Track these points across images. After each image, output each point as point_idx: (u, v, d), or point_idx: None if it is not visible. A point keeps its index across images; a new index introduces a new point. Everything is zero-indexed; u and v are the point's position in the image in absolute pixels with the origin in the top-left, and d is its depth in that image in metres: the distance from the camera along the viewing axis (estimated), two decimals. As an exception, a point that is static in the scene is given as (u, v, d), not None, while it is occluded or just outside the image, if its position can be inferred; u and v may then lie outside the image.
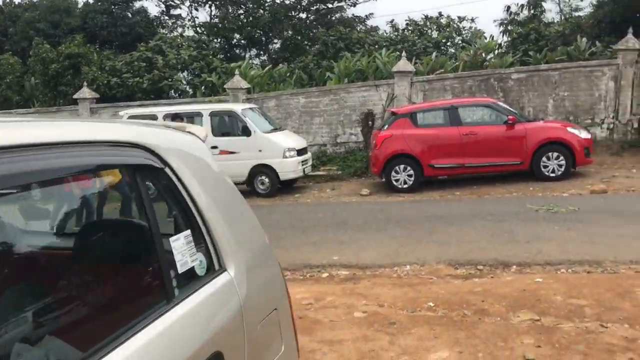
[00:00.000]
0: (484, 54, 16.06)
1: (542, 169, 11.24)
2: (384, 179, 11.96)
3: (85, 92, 17.38)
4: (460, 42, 20.11)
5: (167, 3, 23.20)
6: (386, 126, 12.06)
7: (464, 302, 5.28)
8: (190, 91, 18.61)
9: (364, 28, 24.22)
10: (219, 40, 22.98)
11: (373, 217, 9.29)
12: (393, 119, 11.97)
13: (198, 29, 23.85)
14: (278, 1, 23.48)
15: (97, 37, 22.42)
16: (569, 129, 11.38)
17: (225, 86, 16.38)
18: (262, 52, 24.44)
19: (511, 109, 11.77)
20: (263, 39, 23.22)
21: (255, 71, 18.07)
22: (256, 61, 24.19)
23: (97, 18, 22.18)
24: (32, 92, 18.92)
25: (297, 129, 15.80)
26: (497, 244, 7.23)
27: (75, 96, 17.49)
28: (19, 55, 20.89)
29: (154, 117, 12.36)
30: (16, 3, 24.92)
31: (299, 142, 13.16)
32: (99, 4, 22.65)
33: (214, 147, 12.23)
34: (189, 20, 24.19)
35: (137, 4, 23.48)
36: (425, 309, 5.22)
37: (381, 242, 7.78)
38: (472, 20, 22.48)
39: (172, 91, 17.92)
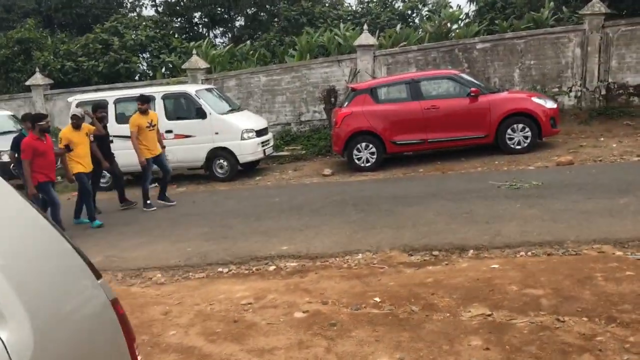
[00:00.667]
0: (449, 24, 15.54)
1: (508, 142, 10.87)
2: (346, 158, 11.51)
3: (38, 79, 16.57)
4: (426, 13, 19.51)
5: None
6: (346, 103, 11.57)
7: (412, 295, 4.89)
8: (150, 73, 17.88)
9: (328, 2, 23.52)
10: (179, 19, 22.12)
11: (330, 200, 8.86)
12: (353, 95, 11.48)
13: (158, 8, 22.95)
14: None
15: (52, 21, 21.48)
16: (534, 99, 10.99)
17: (183, 67, 15.71)
18: (226, 31, 23.65)
19: (475, 81, 11.34)
20: (225, 16, 22.38)
21: (216, 50, 17.38)
22: (221, 40, 23.46)
23: (51, 0, 21.19)
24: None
25: (259, 108, 15.25)
26: (455, 225, 6.86)
27: (27, 83, 16.67)
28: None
29: (104, 103, 11.71)
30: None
31: (259, 122, 12.63)
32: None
33: (169, 132, 11.70)
34: (149, -1, 23.31)
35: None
36: (371, 306, 4.82)
37: (335, 227, 7.36)
38: (439, -11, 21.85)
39: (131, 74, 17.14)
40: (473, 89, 10.85)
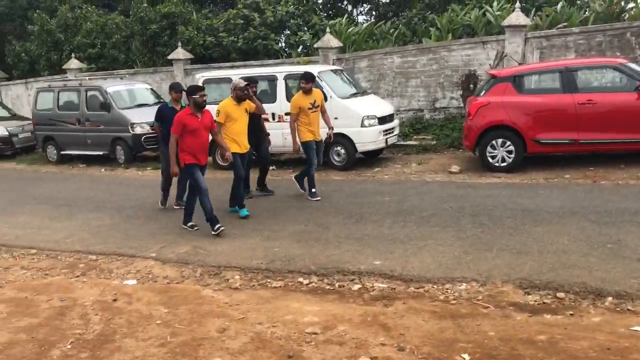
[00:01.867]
0: (622, 3, 13.16)
1: (684, 149, 8.80)
2: (477, 155, 10.12)
3: (180, 53, 16.94)
4: None
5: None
6: (483, 92, 10.13)
7: (512, 358, 3.70)
8: (287, 51, 17.49)
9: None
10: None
11: (447, 206, 7.66)
12: (492, 83, 9.99)
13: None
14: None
15: (202, -5, 21.96)
16: None
17: (315, 45, 15.06)
18: (372, 8, 22.60)
19: None
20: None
21: (353, 29, 16.50)
22: (365, 18, 22.48)
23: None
24: (136, 52, 18.87)
25: (390, 92, 14.18)
26: (595, 258, 5.39)
27: (170, 57, 17.13)
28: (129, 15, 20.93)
29: (228, 80, 11.42)
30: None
31: (384, 108, 11.59)
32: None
33: (287, 114, 11.09)
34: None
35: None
36: (455, 366, 3.72)
37: (443, 243, 6.21)
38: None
39: (268, 51, 16.87)
40: (644, 81, 8.89)
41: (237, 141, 7.90)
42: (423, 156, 11.83)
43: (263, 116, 9.33)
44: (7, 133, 16.11)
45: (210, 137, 7.57)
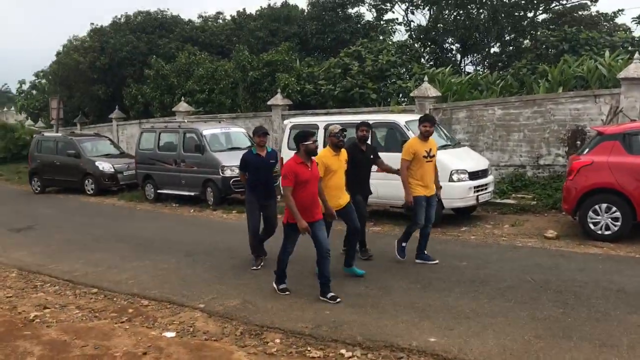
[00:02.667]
0: None
1: None
2: (577, 220, 8.98)
3: (278, 99, 17.16)
4: None
5: (378, 7, 22.03)
6: (587, 149, 9.04)
7: None
8: (387, 99, 17.11)
9: (607, 26, 20.04)
10: (430, 44, 21.10)
11: (529, 277, 6.69)
12: (598, 140, 8.90)
13: (412, 33, 22.25)
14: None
15: (308, 44, 22.39)
16: None
17: (411, 94, 14.56)
18: (483, 58, 21.82)
19: None
20: (481, 42, 20.60)
21: (456, 78, 15.84)
22: (472, 68, 21.73)
23: (307, 25, 22.10)
24: (240, 98, 19.45)
25: (489, 145, 13.26)
26: None
27: (269, 103, 17.39)
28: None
29: (315, 127, 11.22)
30: (247, 14, 26.30)
31: (477, 162, 10.76)
32: (314, 10, 22.55)
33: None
34: (405, 24, 22.78)
35: (353, 10, 22.84)
36: None
37: (514, 322, 5.33)
38: None
39: (365, 99, 16.61)
40: None
41: (335, 196, 6.97)
42: (519, 217, 10.76)
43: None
44: (113, 170, 16.98)
45: None
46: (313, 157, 6.42)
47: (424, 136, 7.54)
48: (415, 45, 20.08)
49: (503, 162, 13.11)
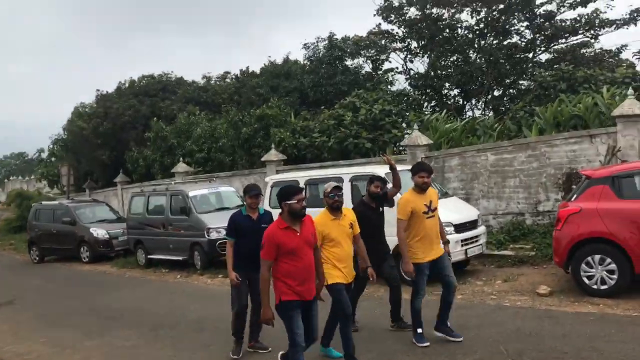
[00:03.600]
0: None
1: None
2: (569, 273, 8.18)
3: (272, 155, 16.81)
4: None
5: (374, 58, 21.84)
6: (575, 195, 8.32)
7: None
8: (383, 150, 16.62)
9: (611, 63, 19.40)
10: (428, 91, 20.70)
11: (503, 348, 5.92)
12: (585, 185, 8.18)
13: (412, 81, 21.93)
14: (502, 42, 20.28)
15: (308, 98, 22.22)
16: None
17: (401, 143, 14.05)
18: (483, 103, 21.28)
19: None
20: (480, 86, 20.11)
21: (450, 124, 15.31)
22: (477, 113, 21.16)
23: (304, 79, 21.99)
24: (235, 155, 19.18)
25: (485, 193, 12.58)
26: None
27: (263, 159, 17.05)
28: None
29: (296, 184, 10.73)
30: (250, 72, 26.45)
31: (465, 213, 10.10)
32: (312, 64, 22.51)
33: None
34: (404, 72, 22.49)
35: (351, 63, 22.71)
36: None
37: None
38: None
39: (360, 150, 16.14)
40: None
41: (339, 268, 5.74)
42: (515, 270, 9.97)
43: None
44: (107, 236, 16.67)
45: None
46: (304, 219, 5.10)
47: (421, 188, 6.26)
48: (413, 93, 19.70)
49: (501, 210, 12.38)
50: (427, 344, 6.20)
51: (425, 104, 20.58)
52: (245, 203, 6.72)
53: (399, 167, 10.86)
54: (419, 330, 6.38)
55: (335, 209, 5.77)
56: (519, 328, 6.60)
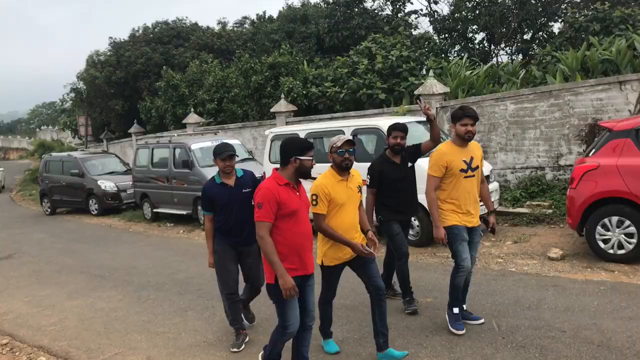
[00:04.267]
0: None
1: None
2: (585, 237, 7.41)
3: (282, 105, 16.07)
4: None
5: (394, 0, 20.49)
6: (594, 150, 7.46)
7: None
8: (395, 100, 15.70)
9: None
10: (453, 35, 19.42)
11: (495, 323, 5.27)
12: (606, 138, 7.30)
13: (437, 24, 20.61)
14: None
15: (324, 44, 21.18)
16: None
17: (415, 92, 13.14)
18: (514, 48, 19.91)
19: None
20: (508, 29, 18.74)
21: (472, 70, 14.26)
22: (497, 59, 19.89)
23: (320, 23, 20.88)
24: (245, 105, 18.48)
25: (503, 146, 11.69)
26: None
27: (272, 110, 16.33)
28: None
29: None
30: (267, 17, 25.39)
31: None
32: (327, 7, 21.32)
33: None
34: (429, 15, 21.14)
35: (370, 4, 21.42)
36: None
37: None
38: None
39: (373, 101, 15.24)
40: None
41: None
42: (528, 230, 9.25)
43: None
44: (116, 188, 16.37)
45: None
46: (302, 181, 4.27)
47: (463, 139, 5.02)
48: (435, 37, 18.50)
49: (519, 164, 11.50)
50: (463, 331, 5.08)
51: (450, 49, 19.36)
52: (219, 168, 5.43)
53: (412, 118, 10.19)
54: (456, 310, 5.16)
55: (344, 168, 4.57)
56: (518, 299, 5.92)
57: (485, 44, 19.74)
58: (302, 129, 10.73)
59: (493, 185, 9.51)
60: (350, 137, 4.64)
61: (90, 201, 16.70)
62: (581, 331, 4.83)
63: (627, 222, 6.86)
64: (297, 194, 4.14)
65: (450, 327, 5.15)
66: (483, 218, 5.36)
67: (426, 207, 5.47)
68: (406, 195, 5.97)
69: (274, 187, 4.04)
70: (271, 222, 4.00)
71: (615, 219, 6.94)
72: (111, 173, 17.27)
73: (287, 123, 15.68)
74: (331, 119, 14.50)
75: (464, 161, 5.05)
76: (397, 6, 20.41)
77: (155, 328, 6.34)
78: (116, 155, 19.62)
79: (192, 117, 19.13)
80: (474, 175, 5.11)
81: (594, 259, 7.20)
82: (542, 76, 13.57)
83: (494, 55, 19.79)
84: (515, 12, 17.97)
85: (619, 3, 16.39)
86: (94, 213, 16.61)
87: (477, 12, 18.28)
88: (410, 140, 6.18)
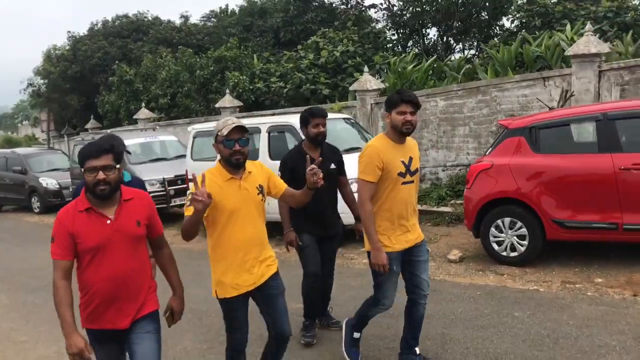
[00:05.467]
0: None
1: None
2: (480, 239, 7.19)
3: (226, 101, 15.75)
4: None
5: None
6: (490, 149, 7.25)
7: None
8: (339, 96, 15.41)
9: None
10: (405, 30, 19.12)
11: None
12: (502, 137, 7.09)
13: (393, 19, 20.31)
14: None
15: (280, 39, 20.86)
16: None
17: (350, 88, 12.89)
18: (464, 42, 19.61)
19: None
20: (458, 24, 18.45)
21: (412, 66, 14.02)
22: (447, 54, 19.63)
23: (274, 17, 20.56)
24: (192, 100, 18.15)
25: (434, 143, 11.49)
26: None
27: (217, 105, 16.03)
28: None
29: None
30: (228, 11, 25.04)
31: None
32: (281, 1, 21.01)
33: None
34: (387, 9, 20.80)
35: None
36: None
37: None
38: None
39: (317, 96, 14.97)
40: None
41: (240, 265, 3.54)
42: (443, 230, 9.04)
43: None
44: (57, 186, 16.00)
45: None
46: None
47: (401, 133, 3.86)
48: (389, 32, 18.24)
49: (450, 161, 11.30)
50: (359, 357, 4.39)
51: (401, 43, 19.07)
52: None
53: (340, 115, 9.94)
54: (356, 335, 4.38)
55: (234, 165, 3.47)
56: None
57: (438, 40, 19.47)
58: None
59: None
60: (242, 123, 3.50)
61: (33, 199, 16.34)
62: (424, 341, 4.59)
63: (519, 224, 6.64)
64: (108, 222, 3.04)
65: (343, 350, 4.39)
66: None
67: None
68: (323, 201, 4.68)
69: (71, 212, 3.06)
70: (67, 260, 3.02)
71: (507, 220, 6.72)
72: (55, 170, 16.89)
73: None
74: (273, 114, 14.22)
75: (402, 162, 3.89)
76: (353, 1, 20.07)
77: (18, 337, 6.06)
78: (62, 152, 19.24)
79: (143, 113, 18.78)
80: (412, 181, 3.98)
81: (489, 261, 6.99)
82: (484, 71, 13.36)
83: (450, 51, 19.55)
84: (461, 9, 17.68)
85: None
86: (36, 211, 16.26)
87: (426, 7, 17.97)
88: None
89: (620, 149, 6.09)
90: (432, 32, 19.28)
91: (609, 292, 5.58)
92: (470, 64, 14.45)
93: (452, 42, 18.97)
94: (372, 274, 4.10)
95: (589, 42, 9.25)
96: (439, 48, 19.17)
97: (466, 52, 19.01)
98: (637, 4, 12.87)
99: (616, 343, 4.30)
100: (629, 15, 12.26)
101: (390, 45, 17.54)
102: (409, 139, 4.01)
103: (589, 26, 9.55)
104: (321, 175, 3.41)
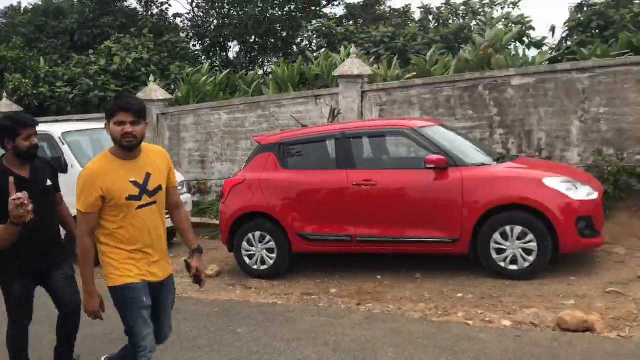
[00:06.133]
0: (490, 49, 10.53)
1: (494, 255, 5.99)
2: (234, 253, 7.28)
3: (3, 105, 14.32)
4: (476, 27, 14.37)
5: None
6: (244, 164, 7.42)
7: None
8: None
9: (398, 22, 19.17)
10: (205, 42, 19.08)
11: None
12: (255, 152, 7.30)
13: (197, 30, 20.15)
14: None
15: (75, 41, 19.60)
16: (551, 181, 5.97)
17: (137, 96, 12.45)
18: (269, 57, 20.12)
19: (439, 143, 6.39)
20: (256, 40, 18.90)
21: (206, 78, 13.94)
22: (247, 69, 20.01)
23: (68, 20, 19.29)
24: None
25: (219, 155, 11.51)
26: None
27: (-7, 112, 14.52)
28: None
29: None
30: (20, 9, 22.93)
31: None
32: (79, 2, 19.81)
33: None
34: (192, 20, 20.62)
35: (129, 3, 20.32)
36: None
37: None
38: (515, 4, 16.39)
39: (106, 104, 14.29)
40: (436, 156, 6.13)
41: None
42: (215, 243, 9.01)
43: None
44: None
45: None
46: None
47: (125, 148, 3.23)
48: (188, 42, 18.02)
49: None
50: None
51: (205, 56, 18.98)
52: None
53: (70, 126, 9.34)
54: None
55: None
56: (109, 332, 5.33)
57: (241, 54, 19.71)
58: None
59: (185, 197, 9.13)
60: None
61: None
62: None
63: (268, 237, 6.83)
64: None
65: None
66: (185, 262, 3.82)
67: None
68: (41, 228, 3.76)
69: None
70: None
71: (258, 234, 6.88)
72: None
73: None
74: (67, 121, 13.21)
75: (133, 182, 3.26)
76: (152, 7, 19.49)
77: None
78: None
79: None
80: (155, 202, 3.36)
81: (242, 275, 7.09)
82: (277, 87, 13.71)
83: (254, 66, 19.85)
84: (255, 26, 18.09)
85: (370, 21, 17.30)
86: None
87: (227, 20, 18.11)
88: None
89: (354, 166, 6.54)
90: (236, 46, 19.43)
91: (339, 302, 5.91)
92: (263, 79, 14.75)
93: (258, 57, 19.28)
94: (120, 317, 3.40)
95: (352, 64, 9.91)
96: (242, 62, 19.38)
97: (266, 67, 19.44)
98: (406, 32, 14.12)
99: (315, 356, 4.51)
100: (399, 41, 13.42)
101: (193, 56, 17.28)
102: (149, 150, 3.42)
103: (353, 49, 10.26)
104: (30, 207, 2.98)
